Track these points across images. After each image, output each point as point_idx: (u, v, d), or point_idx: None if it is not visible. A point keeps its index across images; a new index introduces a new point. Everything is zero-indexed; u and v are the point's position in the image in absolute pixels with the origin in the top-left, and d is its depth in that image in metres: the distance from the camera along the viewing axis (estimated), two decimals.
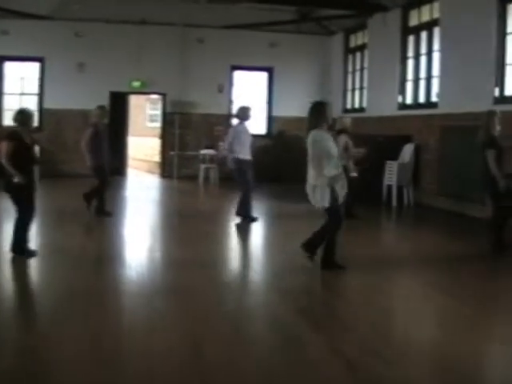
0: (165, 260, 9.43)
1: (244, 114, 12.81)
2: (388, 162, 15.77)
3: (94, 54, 20.96)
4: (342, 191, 8.32)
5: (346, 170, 9.60)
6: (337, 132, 12.93)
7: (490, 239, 10.06)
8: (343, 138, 12.66)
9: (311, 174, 8.40)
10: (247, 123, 12.83)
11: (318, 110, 8.56)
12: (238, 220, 12.47)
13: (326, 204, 8.26)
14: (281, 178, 20.22)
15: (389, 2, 17.80)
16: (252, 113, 13.03)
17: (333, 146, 8.47)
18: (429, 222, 14.11)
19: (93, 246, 10.14)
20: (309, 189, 8.46)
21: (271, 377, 5.08)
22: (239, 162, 12.43)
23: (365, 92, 20.21)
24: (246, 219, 12.44)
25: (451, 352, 5.71)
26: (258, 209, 13.31)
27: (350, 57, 21.58)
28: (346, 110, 21.49)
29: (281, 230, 12.39)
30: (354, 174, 12.70)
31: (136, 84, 21.49)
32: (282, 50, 22.12)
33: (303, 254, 8.56)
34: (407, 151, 16.06)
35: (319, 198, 8.28)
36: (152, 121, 48.40)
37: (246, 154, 12.46)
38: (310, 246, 8.60)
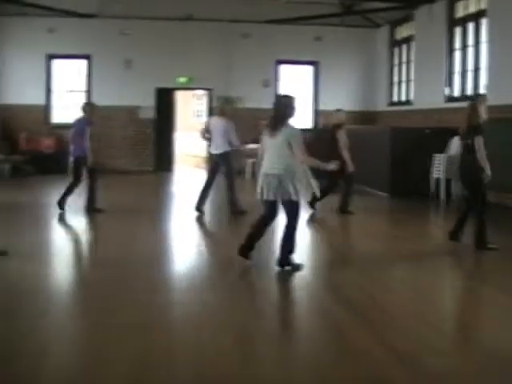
0: (213, 255, 9.49)
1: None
2: (436, 155, 15.66)
3: (141, 50, 21.24)
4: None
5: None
6: (333, 127, 12.93)
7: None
8: (343, 134, 12.79)
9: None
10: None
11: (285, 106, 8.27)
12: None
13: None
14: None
15: None
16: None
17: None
18: None
19: (141, 242, 10.23)
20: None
21: (322, 374, 5.09)
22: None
23: (411, 85, 20.09)
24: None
25: (498, 341, 5.73)
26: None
27: (396, 49, 21.48)
28: (392, 103, 21.41)
29: (330, 224, 12.42)
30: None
31: (182, 80, 21.66)
32: (327, 44, 22.11)
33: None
34: (455, 144, 15.91)
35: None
36: (198, 116, 48.60)
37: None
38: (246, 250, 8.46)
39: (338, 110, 13.64)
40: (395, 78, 21.53)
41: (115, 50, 21.28)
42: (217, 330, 5.96)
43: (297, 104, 8.29)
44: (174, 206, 15.22)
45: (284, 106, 8.20)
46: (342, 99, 21.86)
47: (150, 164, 21.84)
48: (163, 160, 22.10)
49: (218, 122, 12.69)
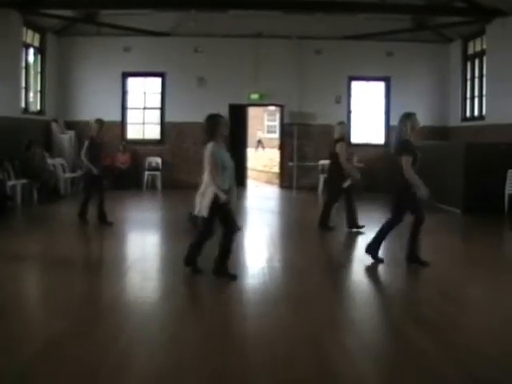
0: (285, 269, 9.54)
1: None
2: (510, 170, 15.41)
3: (213, 68, 21.61)
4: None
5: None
6: (336, 141, 12.75)
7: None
8: (344, 146, 12.60)
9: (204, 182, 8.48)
10: None
11: (212, 124, 8.61)
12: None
13: (206, 214, 8.36)
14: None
15: (508, 7, 17.51)
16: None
17: (227, 159, 8.65)
18: None
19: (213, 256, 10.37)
20: (198, 196, 8.52)
21: None
22: None
23: (484, 99, 19.88)
24: None
25: None
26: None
27: (469, 64, 21.27)
28: (465, 119, 21.21)
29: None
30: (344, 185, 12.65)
31: (254, 96, 21.88)
32: (399, 59, 22.07)
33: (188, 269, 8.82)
34: None
35: (203, 207, 8.37)
36: (269, 132, 48.93)
37: None
38: (189, 260, 8.83)
39: (341, 123, 13.30)
40: (468, 93, 21.32)
41: (188, 67, 21.67)
42: (292, 343, 6.06)
43: (224, 124, 8.67)
44: (247, 220, 15.36)
45: (208, 125, 8.58)
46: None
47: None
48: (236, 175, 22.27)
49: None
